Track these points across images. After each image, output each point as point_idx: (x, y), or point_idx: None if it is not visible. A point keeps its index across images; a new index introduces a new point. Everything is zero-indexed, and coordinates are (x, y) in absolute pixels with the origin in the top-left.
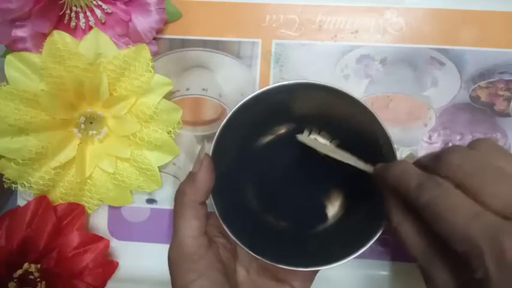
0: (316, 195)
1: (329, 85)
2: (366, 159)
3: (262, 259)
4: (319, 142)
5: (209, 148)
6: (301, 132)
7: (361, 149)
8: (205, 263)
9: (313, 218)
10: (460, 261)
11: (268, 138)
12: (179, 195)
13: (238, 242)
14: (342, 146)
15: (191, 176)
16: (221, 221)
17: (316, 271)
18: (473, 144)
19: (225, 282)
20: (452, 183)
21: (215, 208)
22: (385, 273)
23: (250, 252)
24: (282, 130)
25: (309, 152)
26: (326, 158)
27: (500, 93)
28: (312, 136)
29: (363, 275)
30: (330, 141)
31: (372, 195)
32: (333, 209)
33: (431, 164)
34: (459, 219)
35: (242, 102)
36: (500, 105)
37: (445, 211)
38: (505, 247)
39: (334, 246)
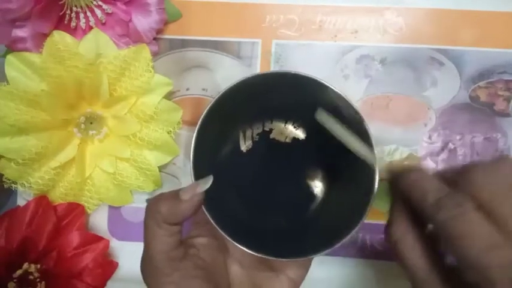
0: (299, 187)
1: (299, 73)
2: (343, 149)
3: (257, 254)
4: (335, 123)
5: (206, 182)
6: (270, 131)
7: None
8: (181, 274)
9: (300, 208)
10: None
11: (247, 139)
12: (153, 213)
13: (233, 241)
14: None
15: (174, 198)
16: (213, 223)
17: (311, 259)
18: (501, 162)
19: (208, 287)
20: (474, 203)
21: (205, 210)
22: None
23: (245, 249)
24: (259, 130)
25: (288, 147)
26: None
27: (500, 93)
28: (288, 127)
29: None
30: (308, 134)
31: (351, 177)
32: (317, 197)
33: (453, 178)
34: (476, 248)
35: (208, 107)
36: (500, 105)
37: (461, 235)
38: None
39: (325, 233)
